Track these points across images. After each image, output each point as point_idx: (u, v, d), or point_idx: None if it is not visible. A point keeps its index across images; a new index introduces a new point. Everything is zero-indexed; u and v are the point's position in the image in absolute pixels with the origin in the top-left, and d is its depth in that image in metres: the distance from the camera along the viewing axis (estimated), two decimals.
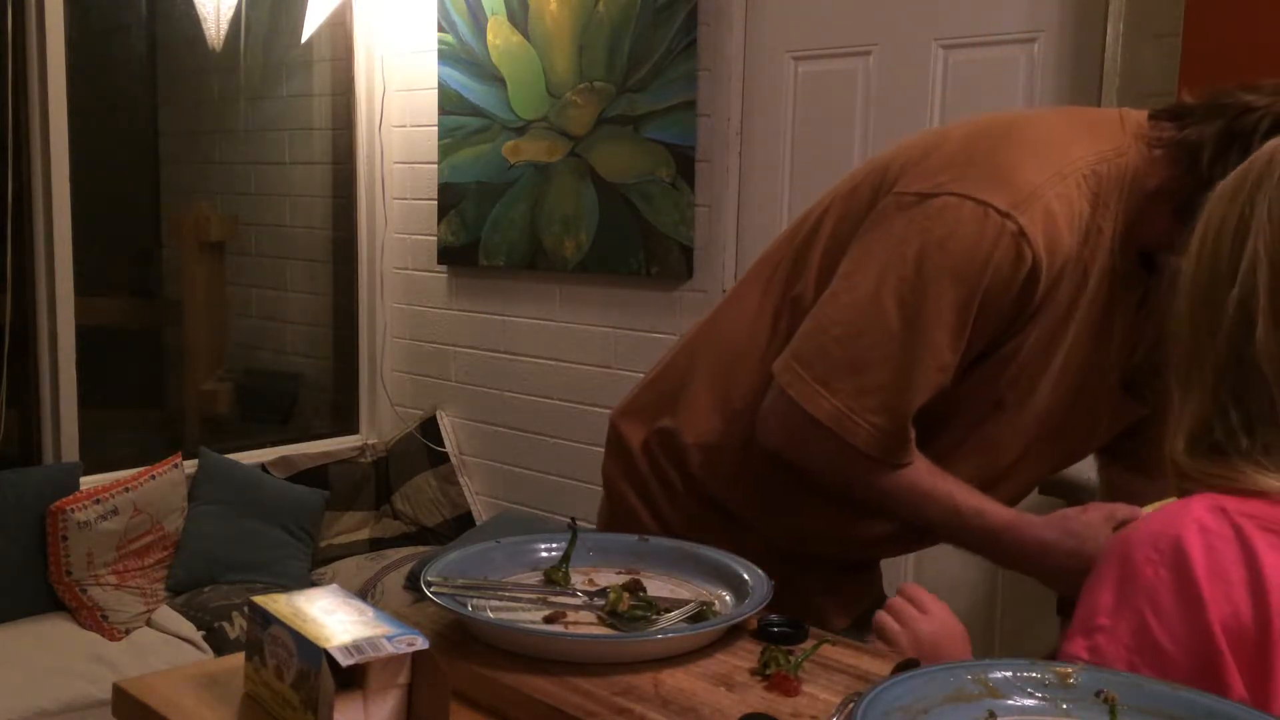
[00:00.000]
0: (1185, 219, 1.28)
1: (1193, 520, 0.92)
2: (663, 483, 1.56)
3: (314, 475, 3.88)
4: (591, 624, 1.22)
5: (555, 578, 1.32)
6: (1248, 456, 0.92)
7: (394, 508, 4.01)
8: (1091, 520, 1.33)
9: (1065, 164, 1.33)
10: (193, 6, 3.84)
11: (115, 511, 3.32)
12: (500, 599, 1.25)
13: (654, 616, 1.21)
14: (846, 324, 1.35)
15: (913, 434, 1.36)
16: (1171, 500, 0.97)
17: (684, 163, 3.28)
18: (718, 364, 1.53)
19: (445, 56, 3.84)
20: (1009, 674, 0.92)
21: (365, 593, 3.39)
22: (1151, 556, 0.93)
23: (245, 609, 2.37)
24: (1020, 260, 1.30)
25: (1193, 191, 1.25)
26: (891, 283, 1.33)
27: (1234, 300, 0.93)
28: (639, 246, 3.40)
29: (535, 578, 1.34)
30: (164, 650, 3.10)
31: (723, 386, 1.51)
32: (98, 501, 3.29)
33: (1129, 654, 0.92)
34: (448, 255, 3.92)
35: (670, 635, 1.17)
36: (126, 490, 3.36)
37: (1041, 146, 1.36)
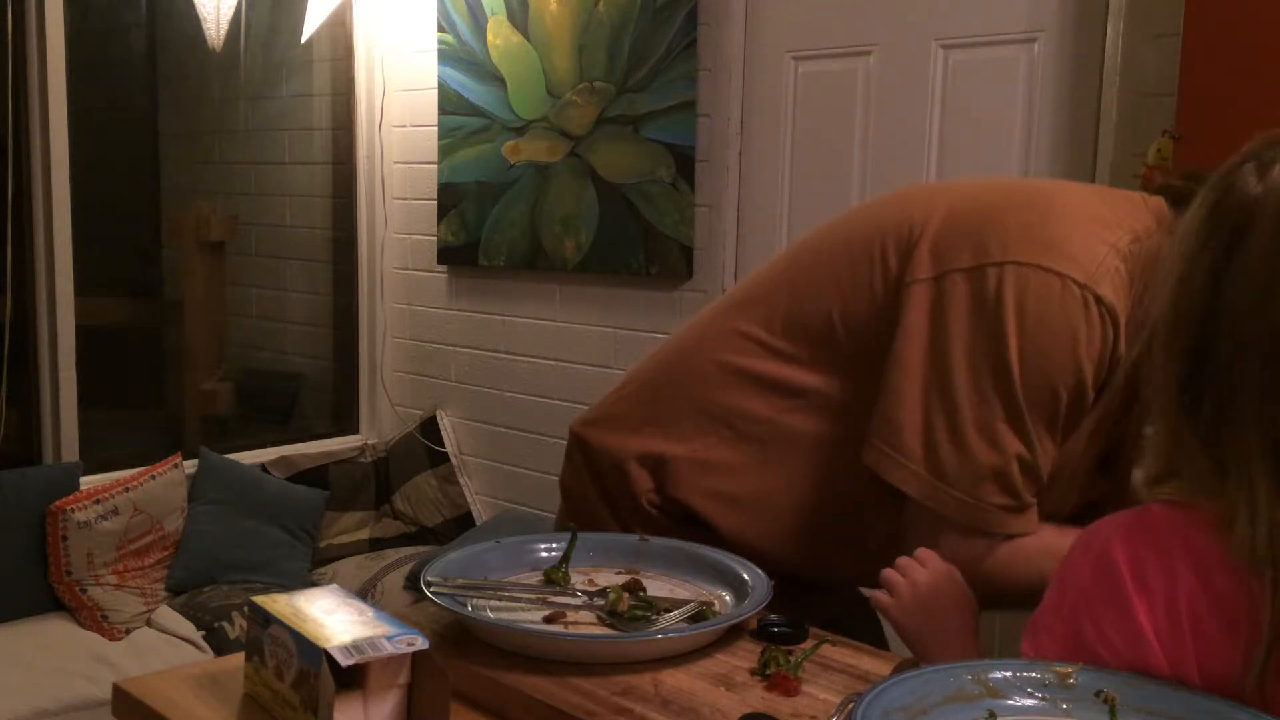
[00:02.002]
0: None
1: (1127, 529, 0.93)
2: (635, 498, 1.51)
3: (314, 475, 3.88)
4: (591, 624, 1.22)
5: (555, 578, 1.32)
6: (1196, 478, 0.93)
7: (394, 508, 4.01)
8: None
9: (1114, 239, 1.30)
10: (193, 6, 3.84)
11: (115, 511, 3.32)
12: (500, 599, 1.25)
13: (654, 616, 1.21)
14: (949, 414, 1.29)
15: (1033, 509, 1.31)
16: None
17: (684, 163, 3.28)
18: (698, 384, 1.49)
19: (445, 56, 3.84)
20: (1009, 674, 0.92)
21: (365, 593, 3.39)
22: (1090, 560, 0.94)
23: (245, 609, 2.37)
24: (1105, 336, 1.26)
25: None
26: (983, 366, 1.28)
27: (1189, 350, 0.93)
28: (639, 246, 3.40)
29: (535, 578, 1.34)
30: (164, 650, 3.10)
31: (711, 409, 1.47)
32: (98, 501, 3.29)
33: (1064, 655, 0.93)
34: (448, 255, 3.92)
35: (670, 635, 1.17)
36: (126, 490, 3.36)
37: (1090, 222, 1.32)
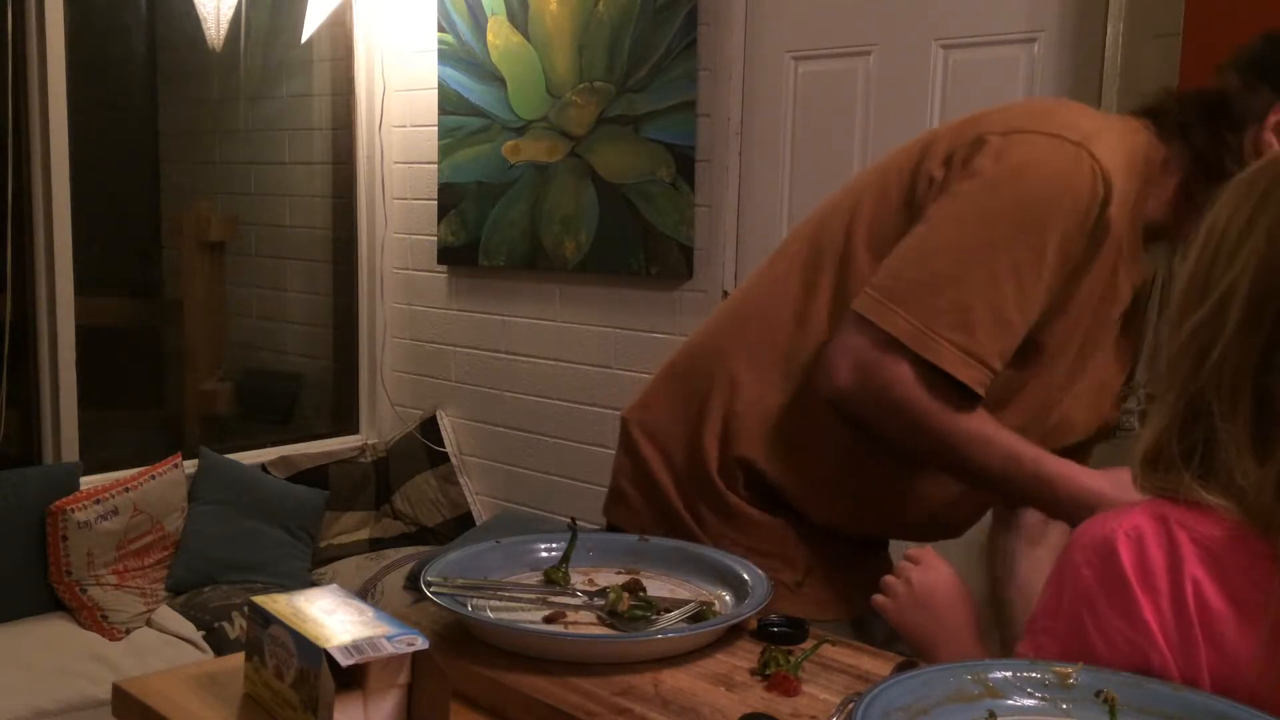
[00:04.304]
0: (1185, 201, 1.36)
1: (1129, 525, 0.93)
2: (696, 478, 1.53)
3: (314, 475, 3.88)
4: (591, 624, 1.22)
5: (555, 578, 1.32)
6: (1190, 473, 0.93)
7: (394, 508, 4.01)
8: None
9: (1111, 124, 1.41)
10: (193, 6, 3.84)
11: (115, 511, 3.32)
12: (500, 599, 1.25)
13: (654, 616, 1.21)
14: (923, 249, 1.34)
15: (998, 368, 1.33)
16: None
17: (684, 163, 3.28)
18: (756, 337, 1.51)
19: (445, 56, 3.84)
20: (1009, 674, 0.92)
21: (365, 593, 3.39)
22: (1089, 559, 0.94)
23: (245, 609, 2.37)
24: (1095, 188, 1.32)
25: (1191, 170, 1.35)
26: (969, 210, 1.34)
27: (1206, 313, 0.93)
28: (639, 246, 3.40)
29: (535, 578, 1.34)
30: (164, 650, 3.10)
31: (767, 355, 1.50)
32: (98, 501, 3.29)
33: (1064, 655, 0.93)
34: (448, 255, 3.92)
35: (670, 635, 1.17)
36: (126, 490, 3.36)
37: (1090, 114, 1.44)
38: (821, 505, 1.50)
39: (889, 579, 1.24)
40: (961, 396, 1.32)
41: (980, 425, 1.34)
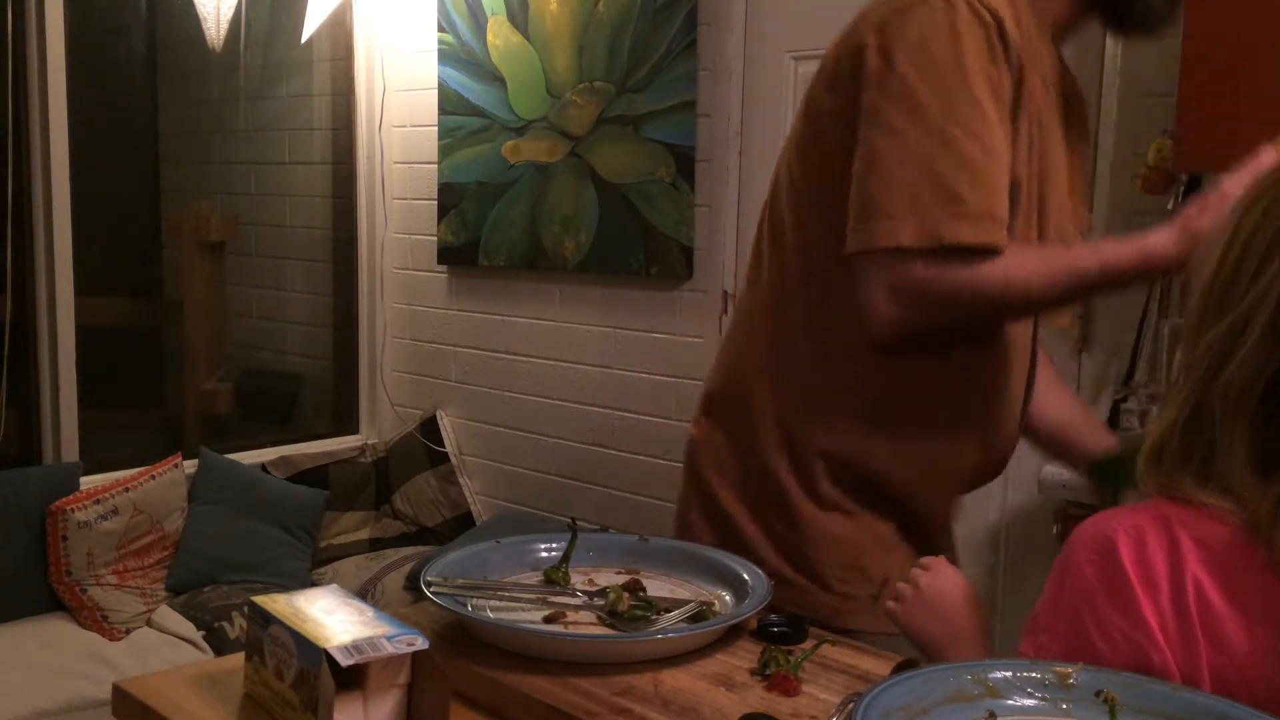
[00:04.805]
0: None
1: (1130, 524, 0.93)
2: (768, 496, 1.52)
3: (314, 475, 3.88)
4: (591, 624, 1.22)
5: (555, 578, 1.32)
6: (1190, 473, 0.93)
7: (394, 508, 4.01)
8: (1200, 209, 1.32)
9: None
10: (193, 6, 3.84)
11: (115, 511, 3.32)
12: (500, 599, 1.25)
13: (654, 616, 1.21)
14: (874, 167, 1.34)
15: (1002, 214, 1.33)
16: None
17: (684, 163, 3.28)
18: (769, 336, 1.53)
19: (445, 56, 3.84)
20: (1009, 674, 0.92)
21: (365, 593, 3.39)
22: (1090, 557, 0.94)
23: (245, 609, 2.37)
24: (982, 19, 1.32)
25: None
26: (890, 111, 1.33)
27: (1225, 329, 0.93)
28: (639, 246, 3.40)
29: (535, 578, 1.34)
30: (164, 650, 3.10)
31: (787, 342, 1.52)
32: (98, 501, 3.29)
33: (1066, 654, 0.93)
34: (448, 255, 3.92)
35: (670, 635, 1.17)
36: (126, 490, 3.36)
37: None
38: (896, 458, 1.48)
39: (899, 584, 1.24)
40: (988, 252, 1.33)
41: (1020, 262, 1.35)
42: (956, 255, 1.31)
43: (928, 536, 1.55)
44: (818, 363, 1.48)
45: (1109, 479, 1.59)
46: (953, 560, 1.57)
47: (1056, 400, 1.67)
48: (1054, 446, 1.70)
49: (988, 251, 1.32)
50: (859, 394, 1.47)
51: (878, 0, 1.41)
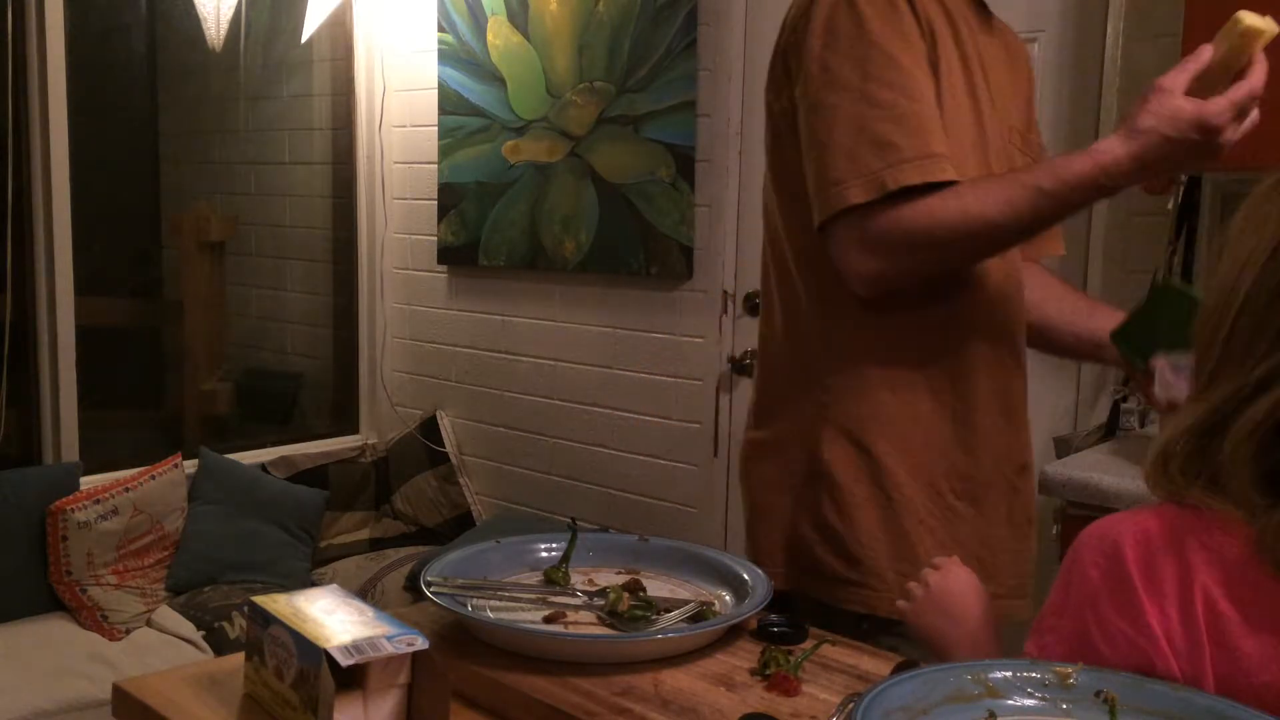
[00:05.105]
0: None
1: (1138, 529, 0.92)
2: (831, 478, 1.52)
3: (314, 475, 3.88)
4: (591, 624, 1.22)
5: (555, 578, 1.32)
6: (1199, 481, 0.93)
7: (394, 508, 4.01)
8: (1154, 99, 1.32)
9: None
10: (193, 6, 3.84)
11: (115, 511, 3.32)
12: (500, 599, 1.25)
13: (654, 616, 1.21)
14: (812, 139, 1.41)
15: (941, 150, 1.38)
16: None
17: (684, 163, 3.28)
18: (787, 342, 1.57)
19: (445, 56, 3.84)
20: (1009, 674, 0.92)
21: (365, 593, 3.39)
22: (1096, 559, 0.93)
23: (245, 609, 2.37)
24: None
25: None
26: (815, 84, 1.41)
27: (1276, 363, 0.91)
28: (639, 246, 3.40)
29: (535, 578, 1.34)
30: (164, 650, 3.10)
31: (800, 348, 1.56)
32: (98, 501, 3.29)
33: (1069, 655, 0.93)
34: (448, 255, 3.92)
35: (670, 635, 1.17)
36: (126, 490, 3.36)
37: None
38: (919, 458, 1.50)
39: (910, 584, 1.24)
40: (935, 188, 1.37)
41: (977, 193, 1.38)
42: (907, 198, 1.36)
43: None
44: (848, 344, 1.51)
45: (1131, 344, 1.53)
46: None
47: (1063, 301, 1.68)
48: (1071, 342, 1.69)
49: (934, 187, 1.36)
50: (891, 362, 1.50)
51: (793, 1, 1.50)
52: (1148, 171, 1.33)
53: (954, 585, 1.21)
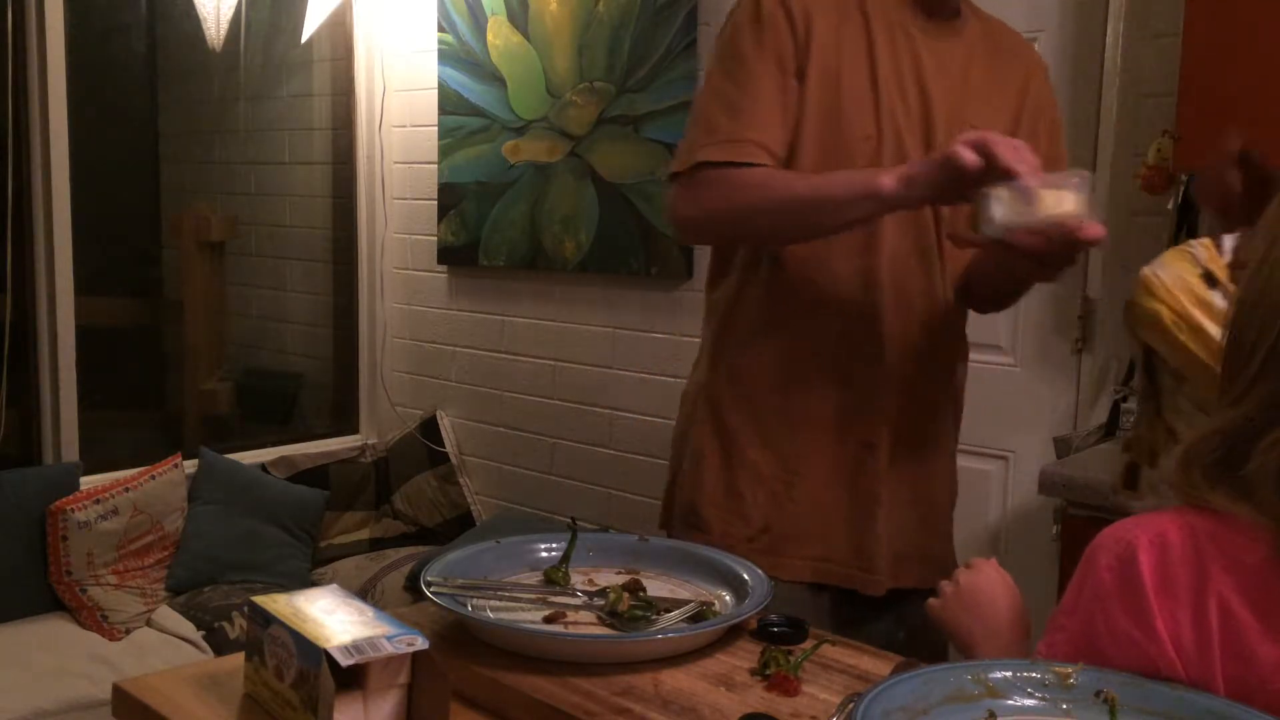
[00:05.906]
0: None
1: (1155, 533, 0.92)
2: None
3: (314, 475, 3.88)
4: (591, 624, 1.22)
5: (555, 578, 1.32)
6: (1222, 485, 0.92)
7: (394, 508, 4.01)
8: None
9: None
10: (193, 6, 3.84)
11: (115, 511, 3.32)
12: (500, 599, 1.25)
13: (654, 616, 1.21)
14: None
15: (754, 137, 1.56)
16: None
17: None
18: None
19: (445, 56, 3.84)
20: (1009, 674, 0.92)
21: (365, 593, 3.39)
22: (1110, 561, 0.93)
23: (245, 609, 2.37)
24: (760, 6, 1.58)
25: None
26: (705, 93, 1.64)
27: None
28: (639, 246, 3.40)
29: (535, 578, 1.34)
30: (164, 650, 3.10)
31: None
32: (98, 501, 3.29)
33: (1075, 654, 0.92)
34: (448, 255, 3.92)
35: (670, 635, 1.17)
36: (126, 490, 3.36)
37: None
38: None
39: (941, 582, 1.24)
40: (734, 166, 1.56)
41: (777, 181, 1.57)
42: (712, 170, 1.57)
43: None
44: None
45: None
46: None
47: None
48: (987, 270, 1.70)
49: (732, 165, 1.56)
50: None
51: None
52: (915, 186, 1.44)
53: (984, 584, 1.21)
